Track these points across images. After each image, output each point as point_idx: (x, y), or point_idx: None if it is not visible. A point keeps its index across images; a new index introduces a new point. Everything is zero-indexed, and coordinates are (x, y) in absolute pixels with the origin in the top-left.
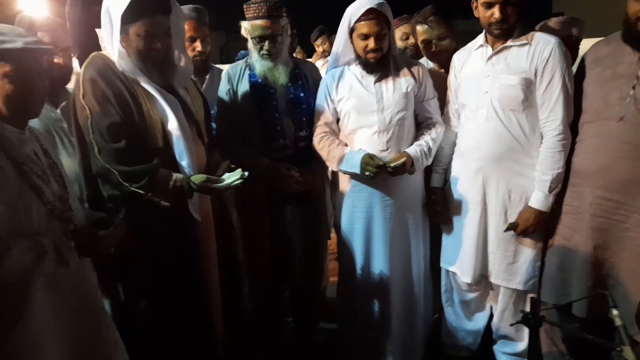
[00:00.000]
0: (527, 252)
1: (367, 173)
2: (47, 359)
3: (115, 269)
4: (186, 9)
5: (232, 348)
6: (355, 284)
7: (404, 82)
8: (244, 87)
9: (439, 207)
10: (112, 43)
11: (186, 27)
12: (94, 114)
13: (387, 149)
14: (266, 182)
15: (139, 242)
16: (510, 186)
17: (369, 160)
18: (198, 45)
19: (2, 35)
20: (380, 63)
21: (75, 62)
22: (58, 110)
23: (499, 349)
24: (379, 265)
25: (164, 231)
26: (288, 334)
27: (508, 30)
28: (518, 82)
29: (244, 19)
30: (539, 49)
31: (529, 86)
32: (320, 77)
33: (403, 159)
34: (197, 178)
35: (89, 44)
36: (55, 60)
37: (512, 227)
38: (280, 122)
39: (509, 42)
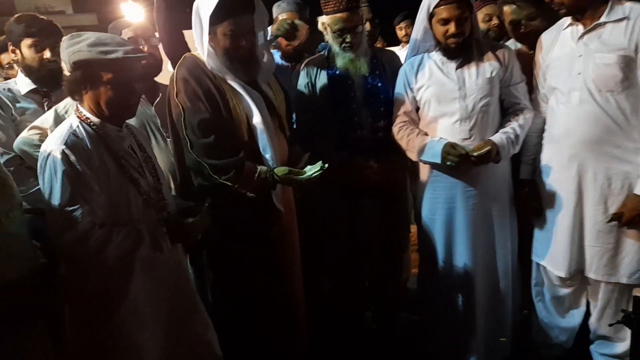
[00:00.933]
0: (631, 243)
1: (448, 163)
2: (146, 334)
3: (204, 256)
4: (288, 1)
5: (313, 338)
6: (436, 277)
7: (488, 66)
8: (322, 80)
9: (535, 203)
10: (202, 43)
11: (285, 17)
12: (186, 111)
13: (470, 137)
14: (344, 175)
15: (226, 231)
16: (610, 173)
17: (450, 149)
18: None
19: (106, 46)
20: (462, 48)
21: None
22: (152, 108)
23: (597, 349)
24: (462, 258)
25: (249, 221)
26: (368, 325)
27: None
28: (615, 61)
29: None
30: None
31: (628, 64)
32: (399, 66)
33: (487, 148)
34: (280, 170)
35: (177, 45)
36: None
37: (616, 217)
38: (357, 113)
39: (603, 19)
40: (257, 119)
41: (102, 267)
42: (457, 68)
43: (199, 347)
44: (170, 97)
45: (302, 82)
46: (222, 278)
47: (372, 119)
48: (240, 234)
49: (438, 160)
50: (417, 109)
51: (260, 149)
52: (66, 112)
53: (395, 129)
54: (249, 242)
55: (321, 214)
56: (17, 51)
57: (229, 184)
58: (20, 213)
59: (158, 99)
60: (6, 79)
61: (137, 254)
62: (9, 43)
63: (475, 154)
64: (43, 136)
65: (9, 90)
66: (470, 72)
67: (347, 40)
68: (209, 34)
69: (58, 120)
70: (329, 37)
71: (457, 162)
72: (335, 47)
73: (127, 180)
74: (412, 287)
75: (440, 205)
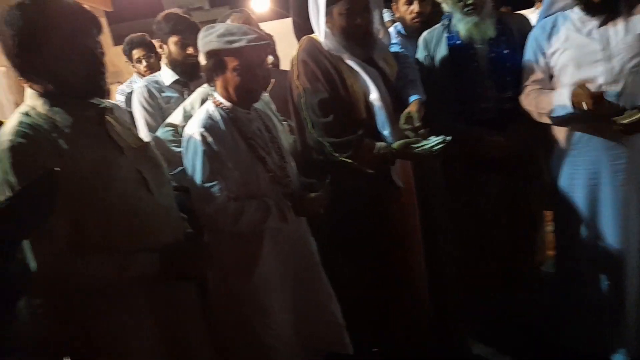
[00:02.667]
0: None
1: (582, 106)
2: (276, 299)
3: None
4: None
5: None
6: (578, 260)
7: (639, 21)
8: (441, 51)
9: None
10: (318, 25)
11: None
12: (306, 92)
13: (617, 104)
14: (468, 149)
15: (345, 207)
16: None
17: (579, 89)
18: (415, 7)
19: (232, 36)
20: (607, 2)
21: None
22: (267, 93)
23: None
24: (608, 239)
25: (368, 197)
26: (497, 309)
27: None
28: None
29: None
30: None
31: None
32: (530, 30)
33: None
34: (398, 143)
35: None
36: None
37: None
38: (481, 84)
39: None
40: (374, 96)
41: (237, 236)
42: (599, 26)
43: (324, 315)
44: (291, 79)
45: (419, 55)
46: (343, 255)
47: (498, 90)
48: (359, 210)
49: (568, 107)
50: (551, 77)
51: (379, 125)
52: (192, 108)
53: (522, 96)
54: (368, 218)
55: (441, 190)
56: (164, 46)
57: (348, 160)
58: (169, 189)
59: (271, 85)
60: (138, 73)
61: (266, 225)
62: (157, 39)
63: (624, 121)
64: (176, 132)
65: (156, 82)
66: (617, 29)
67: (469, 2)
68: (326, 15)
69: (186, 116)
70: (448, 4)
71: (593, 105)
72: (457, 13)
73: (256, 159)
74: (548, 270)
75: (581, 182)
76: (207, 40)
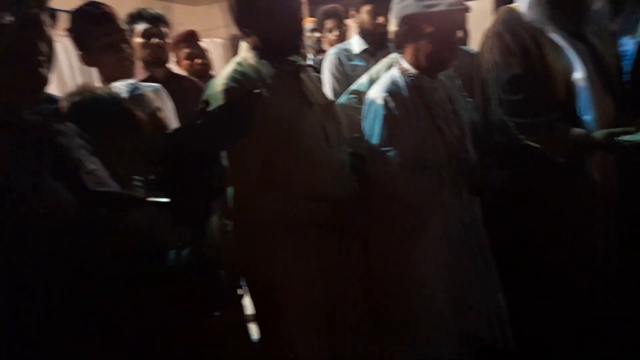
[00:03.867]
0: None
1: None
2: (437, 278)
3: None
4: None
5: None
6: None
7: None
8: None
9: None
10: None
11: None
12: (497, 66)
13: None
14: None
15: (526, 197)
16: None
17: None
18: None
19: (429, 0)
20: None
21: None
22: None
23: None
24: None
25: (555, 190)
26: None
27: None
28: None
29: None
30: None
31: None
32: None
33: None
34: (601, 132)
35: None
36: None
37: None
38: None
39: None
40: (578, 75)
41: (407, 203)
42: None
43: (489, 305)
44: (482, 52)
45: None
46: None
47: None
48: (541, 202)
49: None
50: None
51: (580, 109)
52: (377, 77)
53: None
54: (549, 213)
55: None
56: (357, 15)
57: (536, 145)
58: (345, 148)
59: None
60: (318, 51)
61: (437, 197)
62: (351, 8)
63: None
64: (359, 99)
65: (346, 50)
66: None
67: None
68: None
69: (372, 84)
70: None
71: None
72: None
73: (435, 128)
74: None
75: None
76: (403, 4)
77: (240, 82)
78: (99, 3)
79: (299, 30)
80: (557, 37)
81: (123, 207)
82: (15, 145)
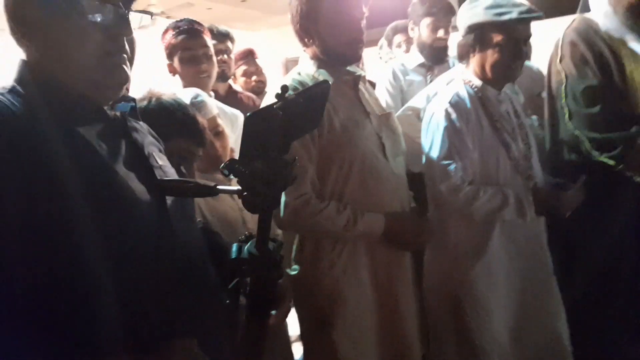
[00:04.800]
0: None
1: None
2: (496, 298)
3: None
4: None
5: None
6: None
7: None
8: None
9: None
10: (597, 2)
11: None
12: (569, 77)
13: None
14: None
15: (599, 220)
16: None
17: None
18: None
19: (500, 8)
20: None
21: None
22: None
23: None
24: None
25: (631, 212)
26: None
27: None
28: None
29: None
30: None
31: None
32: None
33: None
34: None
35: None
36: None
37: None
38: None
39: None
40: None
41: (467, 219)
42: None
43: (548, 333)
44: (551, 62)
45: None
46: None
47: None
48: (615, 226)
49: None
50: None
51: None
52: (435, 94)
53: None
54: (623, 238)
55: None
56: (415, 28)
57: (611, 162)
58: (402, 160)
59: None
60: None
61: (500, 216)
62: (410, 20)
63: None
64: (416, 116)
65: (402, 64)
66: None
67: None
68: None
69: (429, 101)
70: None
71: None
72: None
73: (499, 143)
74: None
75: None
76: (472, 13)
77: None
78: (193, 20)
79: (360, 40)
80: (637, 47)
81: (195, 195)
82: (96, 136)
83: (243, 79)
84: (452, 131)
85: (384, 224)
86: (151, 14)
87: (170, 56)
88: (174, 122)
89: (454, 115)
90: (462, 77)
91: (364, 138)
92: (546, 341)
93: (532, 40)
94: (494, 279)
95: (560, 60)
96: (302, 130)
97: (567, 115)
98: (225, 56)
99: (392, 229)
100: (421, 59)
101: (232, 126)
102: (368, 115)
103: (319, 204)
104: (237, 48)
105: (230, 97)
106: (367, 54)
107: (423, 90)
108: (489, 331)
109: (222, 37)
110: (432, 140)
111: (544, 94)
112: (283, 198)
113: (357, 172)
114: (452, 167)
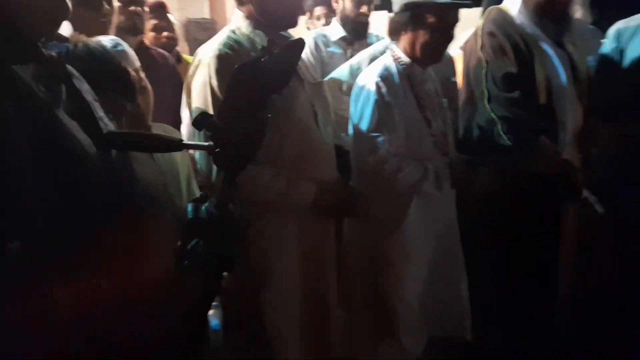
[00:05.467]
0: None
1: None
2: (411, 265)
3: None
4: None
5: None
6: None
7: None
8: (636, 45)
9: None
10: None
11: None
12: (490, 63)
13: None
14: None
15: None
16: None
17: None
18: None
19: None
20: None
21: None
22: None
23: None
24: None
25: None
26: None
27: None
28: None
29: None
30: None
31: None
32: None
33: None
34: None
35: None
36: None
37: None
38: None
39: None
40: (559, 82)
41: (388, 191)
42: None
43: (451, 296)
44: (471, 50)
45: (607, 47)
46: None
47: None
48: (520, 207)
49: None
50: None
51: (557, 113)
52: (359, 68)
53: None
54: (528, 219)
55: None
56: (341, 1)
57: (508, 143)
58: (330, 130)
59: None
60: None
61: (420, 188)
62: None
63: None
64: (337, 87)
65: (324, 35)
66: None
67: None
68: None
69: (352, 74)
70: None
71: None
72: None
73: (422, 119)
74: None
75: None
76: None
77: (234, 49)
78: None
79: (300, 6)
80: (542, 44)
81: (156, 150)
82: (32, 78)
83: (152, 34)
84: (382, 104)
85: (314, 193)
86: None
87: None
88: (104, 72)
89: (384, 90)
90: (390, 53)
91: (298, 105)
92: (450, 303)
93: None
94: (409, 248)
95: (481, 48)
96: (276, 88)
97: (486, 99)
98: (137, 7)
99: (322, 198)
100: (343, 32)
101: None
102: (302, 83)
103: (253, 169)
104: None
105: (141, 53)
106: None
107: (346, 62)
108: (404, 297)
109: None
110: (361, 112)
111: (454, 79)
112: None
113: (292, 140)
114: (381, 139)
